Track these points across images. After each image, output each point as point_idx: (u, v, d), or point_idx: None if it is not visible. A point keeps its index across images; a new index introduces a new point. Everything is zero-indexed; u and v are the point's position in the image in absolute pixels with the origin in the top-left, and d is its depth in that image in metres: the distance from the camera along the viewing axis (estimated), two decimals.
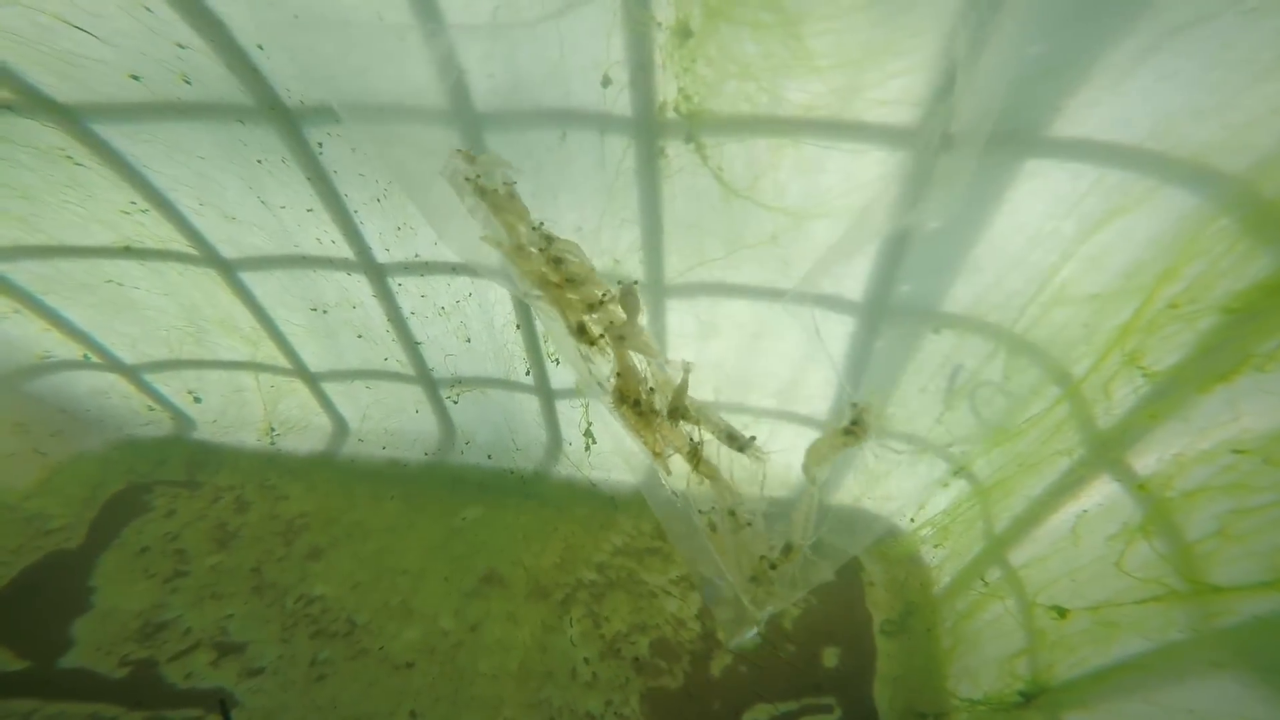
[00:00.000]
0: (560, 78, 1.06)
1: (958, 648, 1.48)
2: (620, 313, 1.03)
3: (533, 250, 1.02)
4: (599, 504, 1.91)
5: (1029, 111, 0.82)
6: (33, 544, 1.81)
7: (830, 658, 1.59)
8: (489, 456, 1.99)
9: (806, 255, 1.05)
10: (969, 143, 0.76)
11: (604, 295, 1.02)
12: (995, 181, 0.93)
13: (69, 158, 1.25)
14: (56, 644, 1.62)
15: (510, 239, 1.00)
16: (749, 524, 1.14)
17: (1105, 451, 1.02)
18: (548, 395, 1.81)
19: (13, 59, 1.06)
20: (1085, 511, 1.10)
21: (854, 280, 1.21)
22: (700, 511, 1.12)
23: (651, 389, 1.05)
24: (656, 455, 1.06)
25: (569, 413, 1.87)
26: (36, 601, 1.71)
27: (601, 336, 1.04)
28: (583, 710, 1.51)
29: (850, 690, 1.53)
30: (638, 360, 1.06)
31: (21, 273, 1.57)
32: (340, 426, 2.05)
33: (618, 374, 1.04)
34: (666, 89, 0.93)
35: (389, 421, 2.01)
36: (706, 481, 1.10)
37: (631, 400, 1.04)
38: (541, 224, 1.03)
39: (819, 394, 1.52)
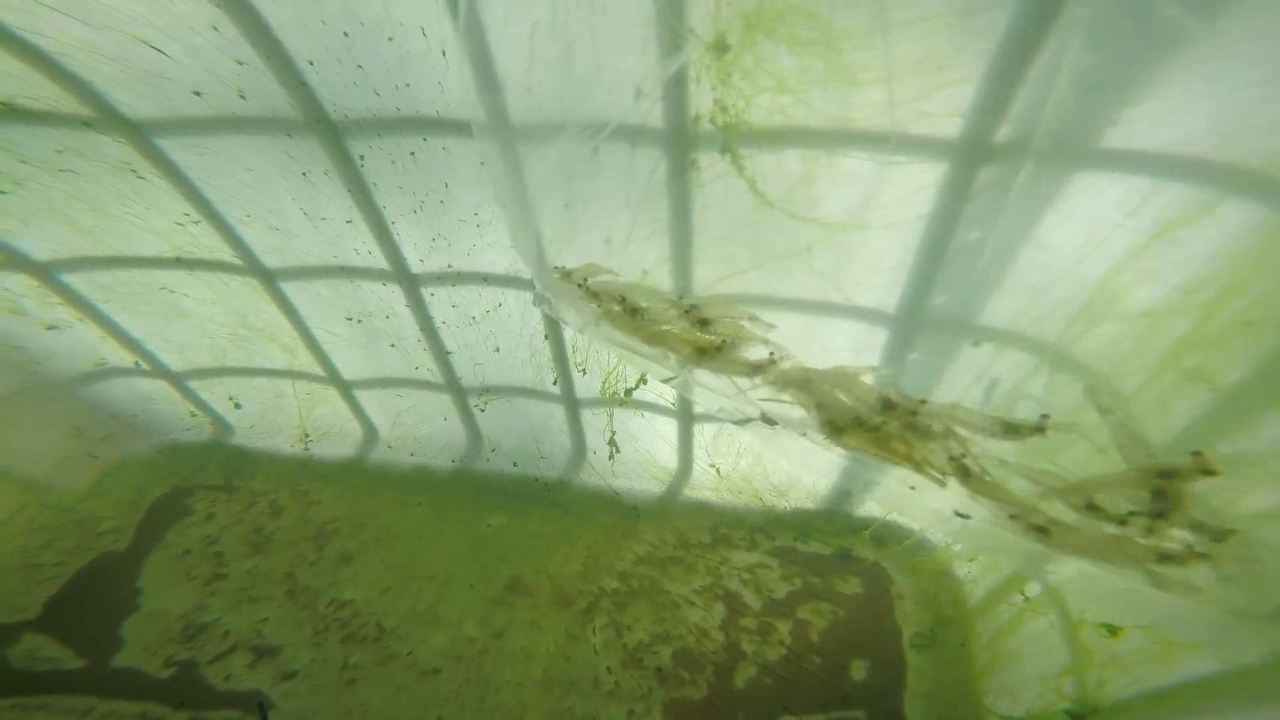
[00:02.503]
0: (594, 91, 1.09)
1: (995, 664, 1.44)
2: (789, 367, 0.97)
3: (672, 326, 1.00)
4: (622, 513, 1.91)
5: (1083, 122, 0.81)
6: (86, 545, 1.88)
7: (858, 670, 1.56)
8: (514, 464, 2.02)
9: (841, 268, 1.05)
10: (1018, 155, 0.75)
11: (772, 356, 0.95)
12: (1044, 192, 0.92)
13: (133, 171, 1.32)
14: (109, 643, 1.68)
15: (642, 331, 0.99)
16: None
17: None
18: (573, 404, 1.83)
19: (98, 79, 1.14)
20: None
21: (888, 291, 1.21)
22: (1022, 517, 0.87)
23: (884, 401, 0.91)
24: (922, 470, 0.91)
25: (594, 421, 1.88)
26: (90, 601, 1.77)
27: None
28: None
29: (880, 704, 1.50)
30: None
31: (85, 282, 1.66)
32: (371, 433, 2.10)
33: (817, 407, 0.94)
34: (701, 101, 0.95)
35: (418, 429, 2.05)
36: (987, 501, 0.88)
37: (850, 422, 0.92)
38: (681, 298, 1.01)
39: None
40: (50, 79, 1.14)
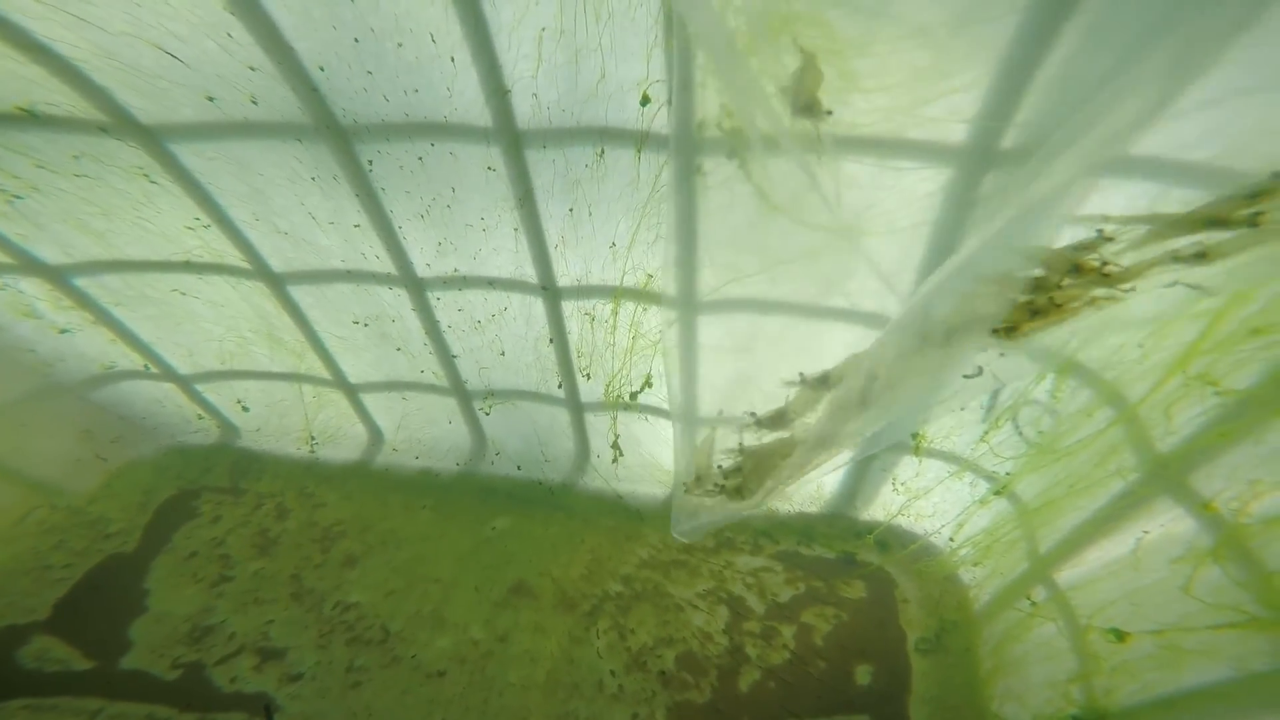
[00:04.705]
0: (601, 97, 1.10)
1: (1001, 669, 1.43)
2: None
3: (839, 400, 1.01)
4: (625, 516, 1.91)
5: (1088, 129, 0.80)
6: (95, 547, 1.90)
7: (863, 675, 1.56)
8: (518, 467, 2.02)
9: (845, 273, 1.05)
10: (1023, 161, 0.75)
11: None
12: (1048, 198, 0.90)
13: (146, 176, 1.34)
14: (117, 644, 1.68)
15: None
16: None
17: (1165, 473, 0.99)
18: (578, 408, 1.83)
19: (112, 84, 1.16)
20: (1146, 534, 1.06)
21: (892, 295, 1.21)
22: None
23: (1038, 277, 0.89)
24: (1098, 303, 0.89)
25: (598, 425, 1.89)
26: (99, 603, 1.78)
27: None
28: None
29: (884, 708, 1.50)
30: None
31: (96, 286, 1.67)
32: (376, 436, 2.11)
33: (1022, 325, 0.91)
34: (707, 107, 0.96)
35: (423, 432, 2.06)
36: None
37: (1024, 315, 0.90)
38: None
39: None
40: (70, 85, 1.15)
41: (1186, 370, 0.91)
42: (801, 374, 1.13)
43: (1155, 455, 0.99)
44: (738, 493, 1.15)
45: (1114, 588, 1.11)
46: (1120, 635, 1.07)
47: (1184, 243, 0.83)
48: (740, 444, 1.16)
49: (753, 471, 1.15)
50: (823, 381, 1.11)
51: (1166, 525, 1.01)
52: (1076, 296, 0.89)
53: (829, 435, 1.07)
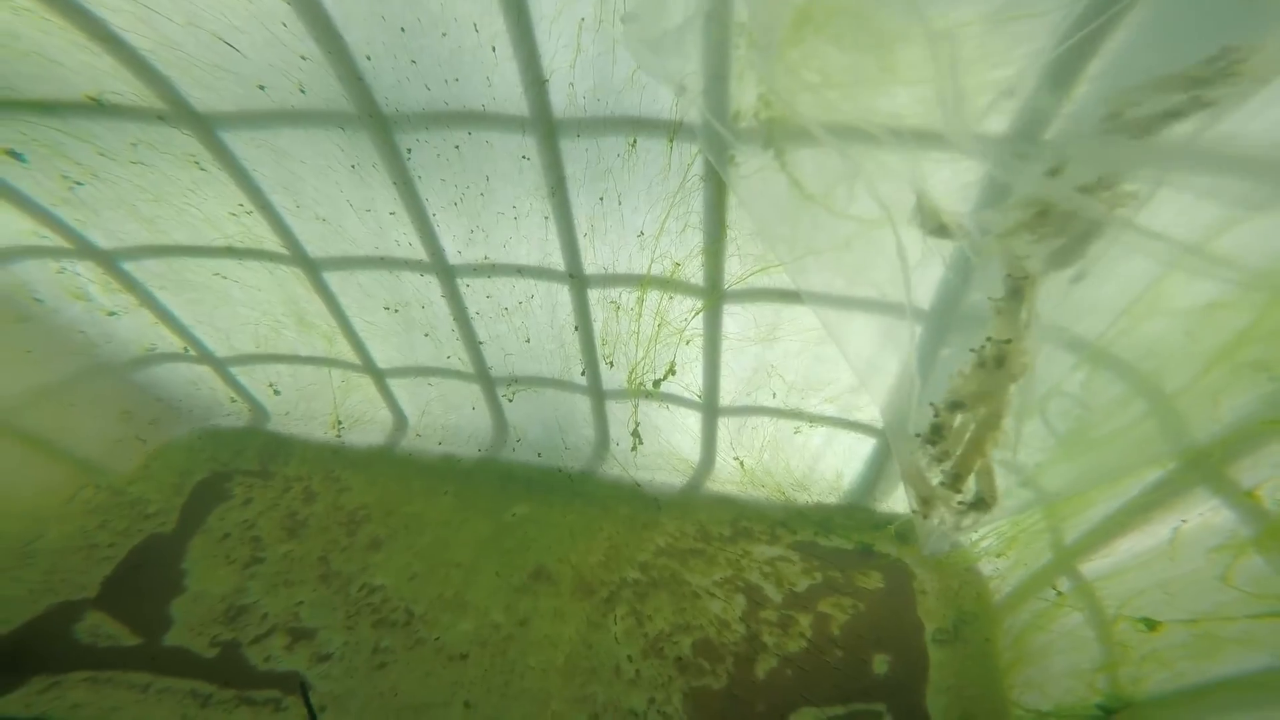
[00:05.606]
0: (635, 87, 1.13)
1: (1022, 659, 1.44)
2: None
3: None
4: (643, 504, 1.93)
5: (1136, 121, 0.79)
6: (136, 527, 1.95)
7: (880, 664, 1.57)
8: (539, 454, 2.05)
9: (876, 263, 1.05)
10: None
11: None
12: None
13: (196, 163, 1.37)
14: (160, 622, 1.74)
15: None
16: None
17: (1205, 463, 0.98)
18: (599, 396, 1.86)
19: (174, 73, 1.20)
20: (1184, 523, 1.05)
21: (923, 287, 1.22)
22: None
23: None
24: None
25: (618, 413, 1.91)
26: (142, 581, 1.84)
27: None
28: (626, 707, 1.52)
29: (901, 697, 1.51)
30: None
31: (142, 270, 1.72)
32: (401, 421, 2.15)
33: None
34: (742, 97, 0.98)
35: (446, 418, 2.10)
36: None
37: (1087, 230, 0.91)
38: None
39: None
40: (136, 74, 1.19)
41: (1236, 359, 0.90)
42: (933, 404, 1.15)
43: (1195, 445, 0.99)
44: (981, 504, 1.17)
45: (1145, 577, 1.11)
46: (1151, 624, 1.07)
47: (1175, 100, 0.80)
48: (932, 455, 1.17)
49: (970, 473, 1.16)
50: (957, 406, 1.12)
51: (1205, 515, 1.00)
52: (1103, 199, 0.87)
53: (996, 412, 1.08)
